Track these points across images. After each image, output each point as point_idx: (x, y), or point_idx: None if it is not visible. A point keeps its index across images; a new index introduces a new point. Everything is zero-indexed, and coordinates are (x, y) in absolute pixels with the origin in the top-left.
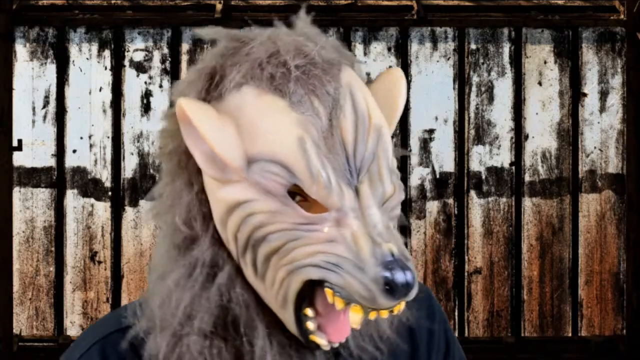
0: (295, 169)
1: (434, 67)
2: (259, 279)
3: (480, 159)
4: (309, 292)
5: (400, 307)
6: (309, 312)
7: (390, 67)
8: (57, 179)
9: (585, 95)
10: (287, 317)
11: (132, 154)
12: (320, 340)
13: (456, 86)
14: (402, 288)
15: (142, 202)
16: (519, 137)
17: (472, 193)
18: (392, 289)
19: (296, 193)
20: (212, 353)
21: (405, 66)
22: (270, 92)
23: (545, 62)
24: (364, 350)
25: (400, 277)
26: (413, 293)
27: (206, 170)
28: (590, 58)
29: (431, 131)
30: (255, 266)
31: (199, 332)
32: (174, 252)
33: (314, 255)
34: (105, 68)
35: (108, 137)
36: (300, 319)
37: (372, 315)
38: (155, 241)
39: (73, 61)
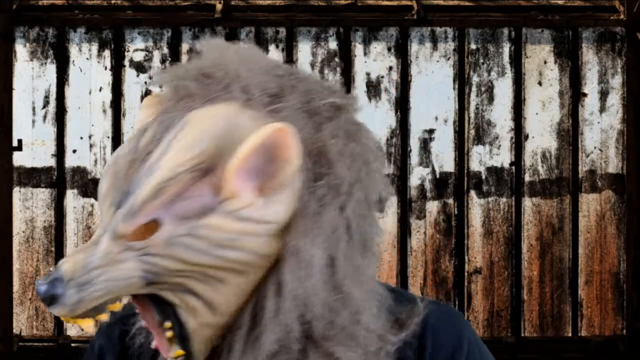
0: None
1: (434, 67)
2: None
3: (480, 159)
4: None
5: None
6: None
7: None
8: (57, 179)
9: (585, 95)
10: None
11: None
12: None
13: (456, 86)
14: (44, 297)
15: None
16: (519, 137)
17: (472, 193)
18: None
19: None
20: None
21: (405, 66)
22: None
23: (545, 62)
24: None
25: (40, 287)
26: (63, 302)
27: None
28: (590, 58)
29: (431, 131)
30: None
31: None
32: None
33: None
34: (105, 68)
35: (108, 137)
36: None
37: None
38: None
39: (73, 61)
